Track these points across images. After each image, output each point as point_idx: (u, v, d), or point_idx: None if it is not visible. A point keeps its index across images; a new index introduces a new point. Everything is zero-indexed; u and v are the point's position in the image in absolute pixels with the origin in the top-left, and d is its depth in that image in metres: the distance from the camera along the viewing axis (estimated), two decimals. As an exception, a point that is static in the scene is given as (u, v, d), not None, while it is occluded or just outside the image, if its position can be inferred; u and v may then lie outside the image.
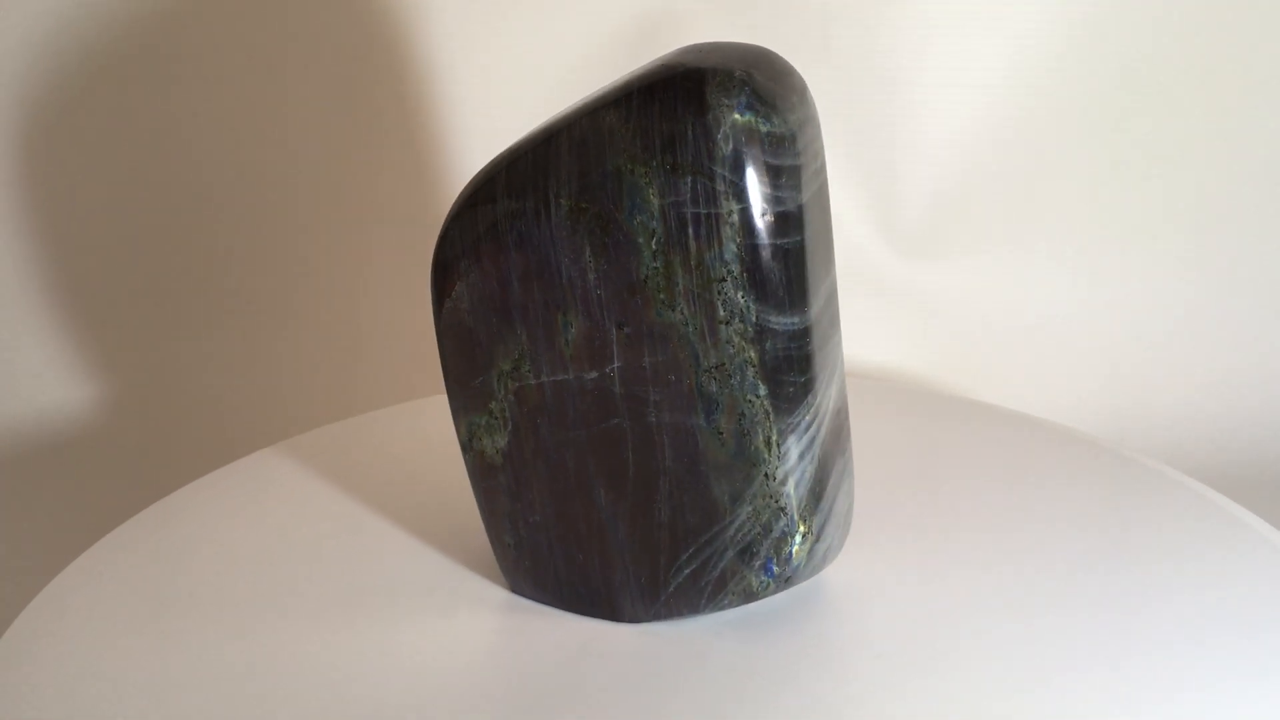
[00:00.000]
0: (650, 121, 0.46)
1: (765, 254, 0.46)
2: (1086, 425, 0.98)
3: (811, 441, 0.49)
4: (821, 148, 0.49)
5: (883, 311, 1.04)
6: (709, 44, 0.49)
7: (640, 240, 0.47)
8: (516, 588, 0.56)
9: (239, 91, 0.96)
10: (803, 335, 0.47)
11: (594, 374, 0.49)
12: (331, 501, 0.65)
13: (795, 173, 0.46)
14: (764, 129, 0.45)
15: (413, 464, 0.70)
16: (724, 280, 0.46)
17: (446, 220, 0.51)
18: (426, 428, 0.75)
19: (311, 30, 0.95)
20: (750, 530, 0.50)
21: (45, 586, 0.57)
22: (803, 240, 0.47)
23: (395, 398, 0.96)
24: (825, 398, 0.50)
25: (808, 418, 0.48)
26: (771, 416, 0.48)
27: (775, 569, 0.50)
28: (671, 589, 0.52)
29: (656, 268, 0.47)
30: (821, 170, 0.49)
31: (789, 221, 0.46)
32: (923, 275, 1.04)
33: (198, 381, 1.02)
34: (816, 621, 0.54)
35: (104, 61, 0.94)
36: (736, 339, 0.47)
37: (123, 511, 0.65)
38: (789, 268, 0.47)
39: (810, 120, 0.48)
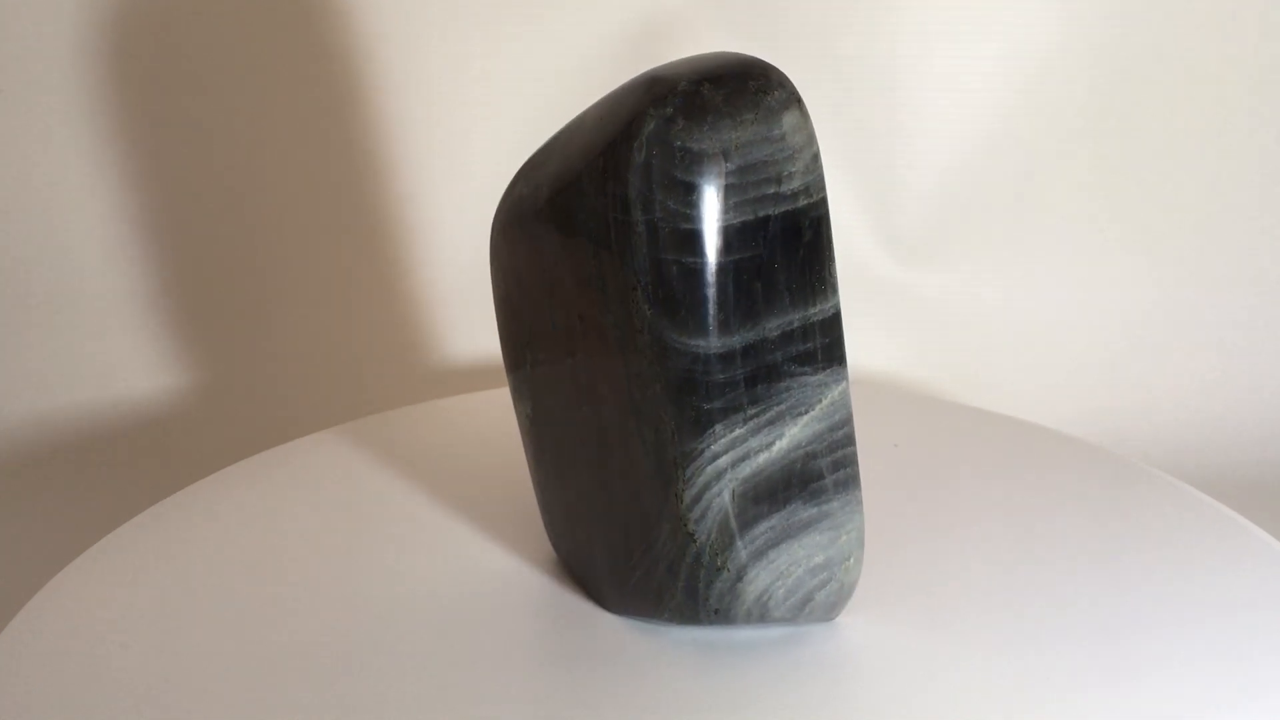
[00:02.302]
0: (605, 124, 0.48)
1: (671, 270, 0.46)
2: (1085, 429, 0.95)
3: (720, 474, 0.47)
4: (796, 174, 0.46)
5: (880, 316, 1.04)
6: (713, 53, 0.49)
7: (585, 238, 0.49)
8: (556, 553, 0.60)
9: (269, 105, 0.99)
10: (717, 361, 0.46)
11: (569, 360, 0.52)
12: (332, 500, 0.66)
13: (719, 192, 0.45)
14: (679, 143, 0.45)
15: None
16: (635, 289, 0.47)
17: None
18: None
19: (321, 41, 0.97)
20: (670, 548, 0.50)
21: (43, 585, 0.58)
22: (721, 265, 0.46)
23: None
24: (765, 435, 0.47)
25: (716, 448, 0.47)
26: (677, 437, 0.47)
27: (699, 595, 0.50)
28: (629, 588, 0.53)
29: (597, 266, 0.48)
30: (794, 198, 0.46)
31: (697, 241, 0.45)
32: (921, 280, 1.04)
33: (202, 385, 1.03)
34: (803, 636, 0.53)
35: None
36: (648, 351, 0.47)
37: (136, 509, 0.66)
38: (699, 289, 0.46)
39: (768, 141, 0.46)
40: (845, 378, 0.49)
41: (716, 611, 0.50)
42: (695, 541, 0.48)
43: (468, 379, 1.03)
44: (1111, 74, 0.98)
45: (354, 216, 1.03)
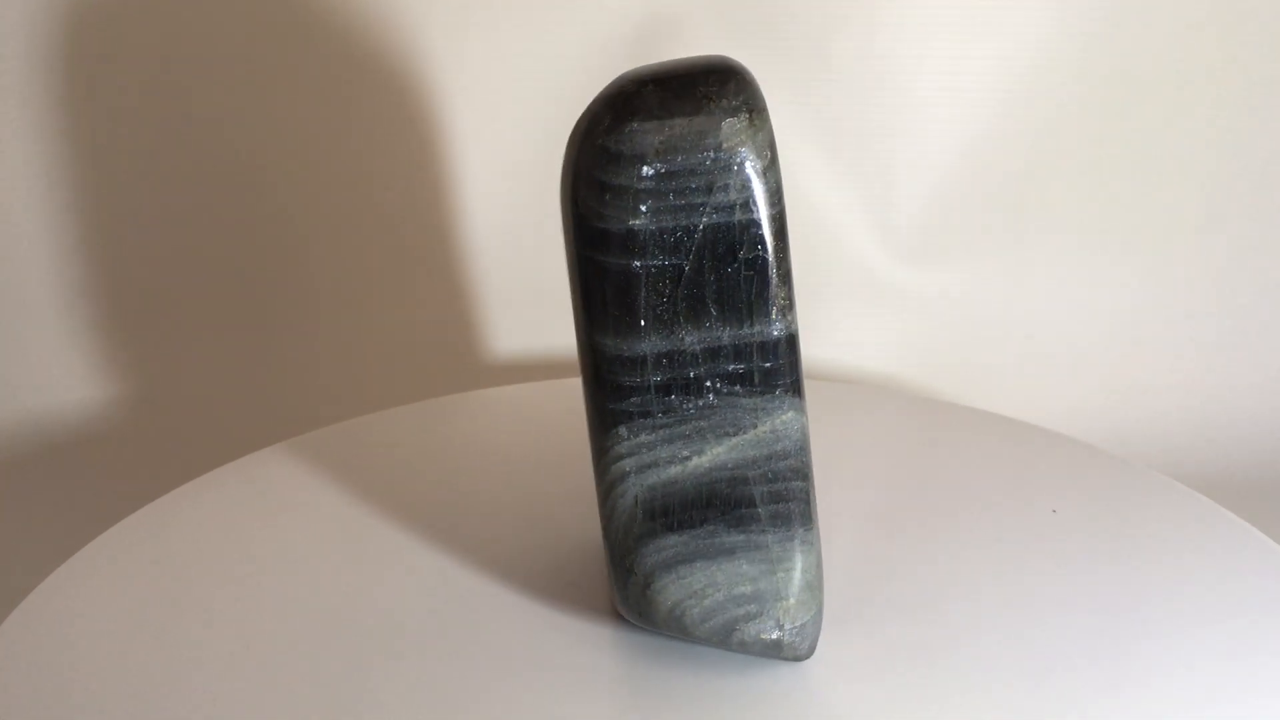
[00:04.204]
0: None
1: (589, 266, 0.47)
2: (1085, 430, 0.96)
3: (624, 477, 0.48)
4: (733, 186, 0.45)
5: (880, 316, 1.03)
6: (703, 55, 0.49)
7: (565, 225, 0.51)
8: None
9: (246, 96, 0.96)
10: (623, 363, 0.47)
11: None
12: (330, 500, 0.66)
13: (628, 194, 0.45)
14: (600, 141, 0.46)
15: (416, 464, 0.71)
16: (573, 279, 0.49)
17: None
18: (430, 428, 0.76)
19: (314, 35, 0.94)
20: (602, 541, 0.51)
21: (41, 583, 0.57)
22: (631, 267, 0.46)
23: (401, 399, 0.91)
24: (679, 448, 0.47)
25: (620, 449, 0.48)
26: (593, 432, 0.49)
27: (621, 593, 0.51)
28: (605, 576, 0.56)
29: (567, 256, 0.51)
30: (728, 210, 0.45)
31: (608, 241, 0.46)
32: (920, 280, 1.03)
33: (205, 381, 1.00)
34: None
35: (115, 65, 0.94)
36: (579, 342, 0.49)
37: (126, 512, 0.65)
38: (606, 288, 0.47)
39: (699, 149, 0.45)
40: (795, 409, 0.47)
41: (640, 614, 0.50)
42: (608, 539, 0.49)
43: (486, 375, 1.04)
44: (1110, 74, 0.97)
45: (337, 219, 1.02)
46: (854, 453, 0.70)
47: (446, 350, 1.03)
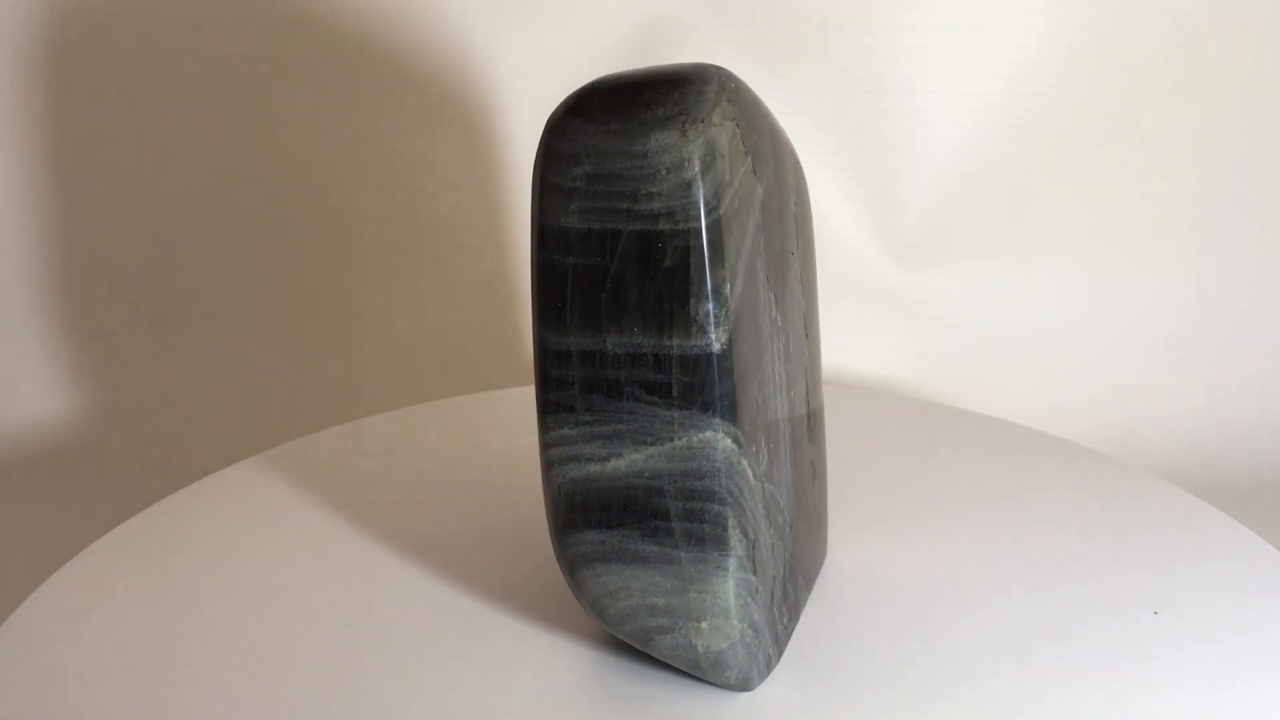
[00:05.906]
0: None
1: (535, 259, 0.49)
2: (1085, 433, 0.96)
3: (551, 465, 0.49)
4: (658, 195, 0.43)
5: (880, 320, 1.04)
6: (692, 62, 0.49)
7: None
8: None
9: (237, 98, 0.95)
10: (552, 355, 0.48)
11: None
12: (316, 508, 0.65)
13: (561, 192, 0.47)
14: (548, 139, 0.48)
15: (401, 470, 0.70)
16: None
17: None
18: (414, 434, 0.76)
19: (313, 37, 0.94)
20: None
21: (27, 597, 0.56)
22: (562, 263, 0.48)
23: (386, 405, 0.89)
24: (599, 447, 0.47)
25: (547, 438, 0.49)
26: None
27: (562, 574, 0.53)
28: None
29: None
30: (652, 219, 0.44)
31: (547, 235, 0.48)
32: (921, 283, 1.04)
33: (188, 389, 1.00)
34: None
35: (107, 64, 0.93)
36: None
37: (110, 523, 0.64)
38: (543, 280, 0.49)
39: (626, 155, 0.44)
40: (716, 430, 0.46)
41: (578, 598, 0.52)
42: (547, 519, 0.51)
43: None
44: (1110, 75, 0.97)
45: (325, 224, 1.02)
46: (853, 456, 0.69)
47: (484, 350, 1.06)
